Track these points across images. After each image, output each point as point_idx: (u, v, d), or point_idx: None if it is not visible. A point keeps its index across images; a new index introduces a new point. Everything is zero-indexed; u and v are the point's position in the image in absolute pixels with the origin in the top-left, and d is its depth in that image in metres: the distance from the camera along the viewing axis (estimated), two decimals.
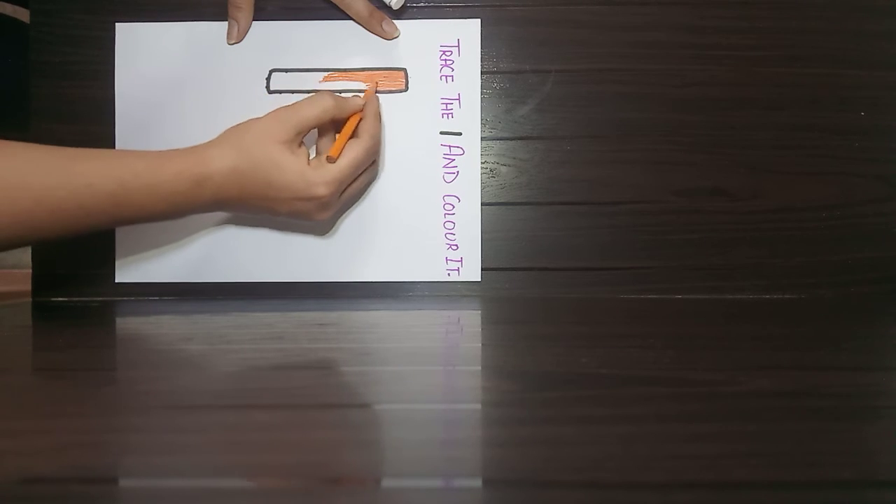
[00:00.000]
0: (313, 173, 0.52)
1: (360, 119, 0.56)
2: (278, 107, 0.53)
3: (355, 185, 0.57)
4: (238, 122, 0.52)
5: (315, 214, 0.54)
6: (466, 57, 0.61)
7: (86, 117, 0.61)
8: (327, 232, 0.61)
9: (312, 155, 0.55)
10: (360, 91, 0.61)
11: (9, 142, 0.46)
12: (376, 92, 0.61)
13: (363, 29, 0.61)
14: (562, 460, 0.22)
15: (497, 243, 0.61)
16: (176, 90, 0.61)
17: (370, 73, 0.61)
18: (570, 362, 0.36)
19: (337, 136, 0.56)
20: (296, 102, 0.53)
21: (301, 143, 0.53)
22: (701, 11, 0.61)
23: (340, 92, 0.60)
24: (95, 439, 0.25)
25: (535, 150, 0.61)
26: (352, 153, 0.54)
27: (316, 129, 0.55)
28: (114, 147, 0.60)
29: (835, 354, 0.40)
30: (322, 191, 0.52)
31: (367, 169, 0.57)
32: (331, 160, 0.53)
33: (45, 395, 0.31)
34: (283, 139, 0.51)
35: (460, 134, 0.61)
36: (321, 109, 0.53)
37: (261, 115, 0.53)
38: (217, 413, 0.29)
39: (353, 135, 0.56)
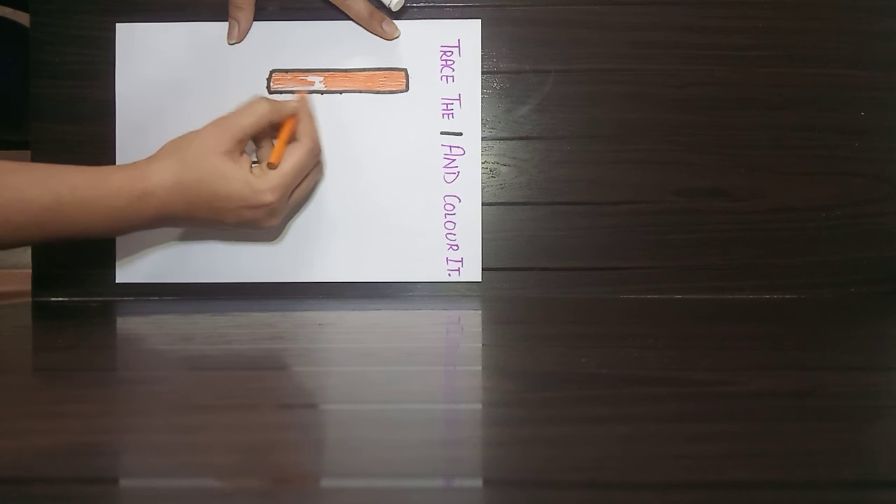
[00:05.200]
0: (257, 181, 0.51)
1: (297, 122, 0.55)
2: (216, 118, 0.52)
3: (301, 188, 0.56)
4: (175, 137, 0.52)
5: (264, 222, 0.53)
6: (467, 57, 0.61)
7: (86, 117, 0.61)
8: (276, 238, 0.61)
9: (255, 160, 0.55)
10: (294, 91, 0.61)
11: None
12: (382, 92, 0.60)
13: (363, 29, 0.61)
14: (562, 460, 0.22)
15: (497, 243, 0.61)
16: (176, 90, 0.61)
17: (370, 73, 0.61)
18: (571, 362, 0.36)
19: (275, 141, 0.55)
20: (232, 111, 0.53)
21: (242, 152, 0.53)
22: (701, 11, 0.61)
23: (282, 94, 0.60)
24: (95, 439, 0.25)
25: (535, 150, 0.61)
26: (293, 157, 0.53)
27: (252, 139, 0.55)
28: (114, 147, 0.61)
29: (835, 354, 0.40)
30: (269, 197, 0.52)
31: (313, 170, 0.56)
32: (272, 166, 0.52)
33: (45, 395, 0.31)
34: (224, 149, 0.51)
35: (461, 134, 0.61)
36: (257, 115, 0.52)
37: (198, 128, 0.52)
38: (217, 413, 0.29)
39: (292, 138, 0.55)
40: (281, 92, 0.61)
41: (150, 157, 0.51)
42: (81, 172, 0.49)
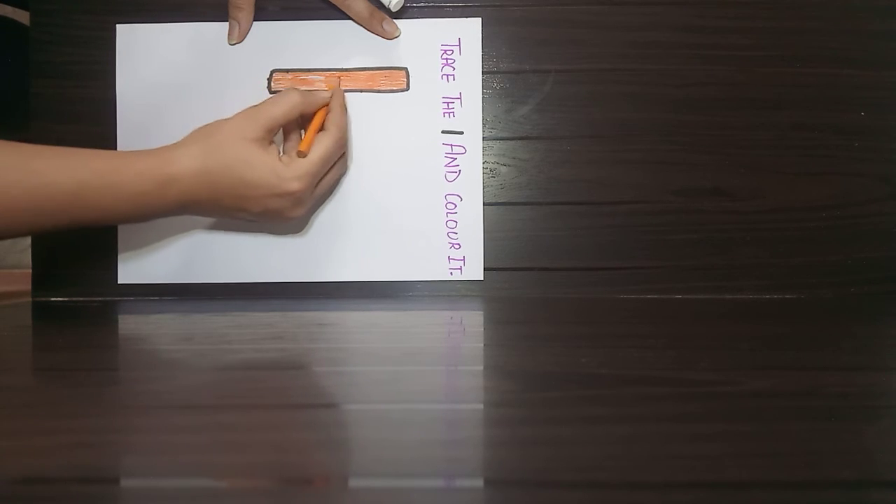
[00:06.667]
0: (285, 169, 0.52)
1: (327, 112, 0.56)
2: (247, 107, 0.53)
3: (327, 179, 0.56)
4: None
5: (289, 211, 0.53)
6: (467, 56, 0.61)
7: (86, 117, 0.61)
8: (301, 231, 0.61)
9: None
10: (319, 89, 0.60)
11: None
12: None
13: (364, 29, 0.61)
14: (563, 460, 0.22)
15: (497, 243, 0.61)
16: (177, 91, 0.61)
17: (370, 72, 0.61)
18: (571, 362, 0.36)
19: (304, 131, 0.56)
20: (264, 101, 0.53)
21: (272, 142, 0.53)
22: (701, 11, 0.61)
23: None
24: (95, 439, 0.25)
25: (535, 150, 0.61)
26: (322, 146, 0.54)
27: (281, 129, 0.55)
28: (115, 148, 0.60)
29: (835, 354, 0.40)
30: (295, 185, 0.52)
31: (337, 162, 0.57)
32: (301, 154, 0.53)
33: (45, 395, 0.31)
34: (253, 137, 0.51)
35: (462, 133, 0.61)
36: (290, 106, 0.53)
37: (227, 117, 0.52)
38: (217, 413, 0.29)
39: (321, 128, 0.56)
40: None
41: (176, 143, 0.51)
42: (105, 157, 0.48)
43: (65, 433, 0.25)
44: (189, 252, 0.61)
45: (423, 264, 0.61)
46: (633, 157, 0.61)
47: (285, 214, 0.54)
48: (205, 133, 0.51)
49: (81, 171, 0.47)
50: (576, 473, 0.21)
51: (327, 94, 0.56)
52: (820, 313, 0.55)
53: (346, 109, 0.58)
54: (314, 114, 0.56)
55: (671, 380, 0.32)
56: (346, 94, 0.60)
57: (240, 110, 0.53)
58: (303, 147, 0.53)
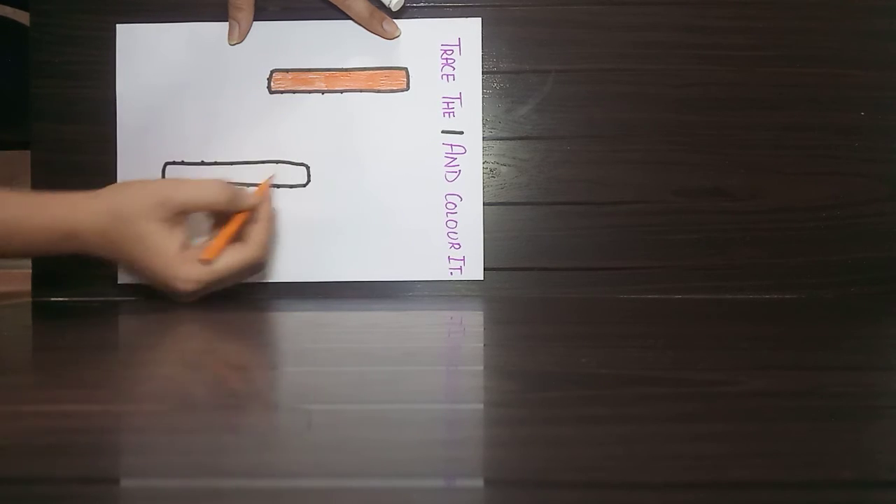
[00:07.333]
0: (179, 266, 0.50)
1: (251, 220, 0.52)
2: (168, 178, 0.52)
3: (225, 283, 0.53)
4: (118, 184, 0.53)
5: (175, 296, 0.52)
6: (467, 55, 0.61)
7: (86, 117, 0.61)
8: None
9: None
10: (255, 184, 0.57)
11: None
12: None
13: (364, 29, 0.61)
14: (563, 460, 0.22)
15: (497, 243, 0.61)
16: (177, 91, 0.61)
17: (370, 72, 0.61)
18: (571, 362, 0.36)
19: (219, 231, 0.52)
20: (188, 181, 0.52)
21: (179, 223, 0.50)
22: (701, 11, 0.61)
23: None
24: (96, 439, 0.25)
25: (535, 150, 0.61)
26: (231, 260, 0.51)
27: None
28: (115, 147, 0.60)
29: (835, 354, 0.40)
30: (184, 286, 0.50)
31: (247, 270, 0.53)
32: (205, 263, 0.50)
33: (45, 395, 0.31)
34: (160, 218, 0.49)
35: (462, 133, 0.61)
36: (211, 199, 0.51)
37: (151, 180, 0.52)
38: (218, 413, 0.29)
39: (241, 237, 0.52)
40: (282, 92, 0.61)
41: (87, 194, 0.50)
42: (14, 204, 0.49)
43: (65, 433, 0.25)
44: None
45: (423, 264, 0.61)
46: (633, 157, 0.61)
47: (172, 296, 0.52)
48: (117, 195, 0.50)
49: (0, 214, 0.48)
50: (576, 473, 0.21)
51: (254, 200, 0.53)
52: (820, 313, 0.55)
53: (272, 218, 0.54)
54: (234, 215, 0.52)
55: (671, 380, 0.32)
56: (345, 94, 0.60)
57: (161, 179, 0.52)
58: (208, 254, 0.50)
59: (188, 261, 0.50)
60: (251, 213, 0.53)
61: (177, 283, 0.50)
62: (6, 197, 0.49)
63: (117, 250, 0.50)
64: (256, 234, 0.53)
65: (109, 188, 0.51)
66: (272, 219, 0.55)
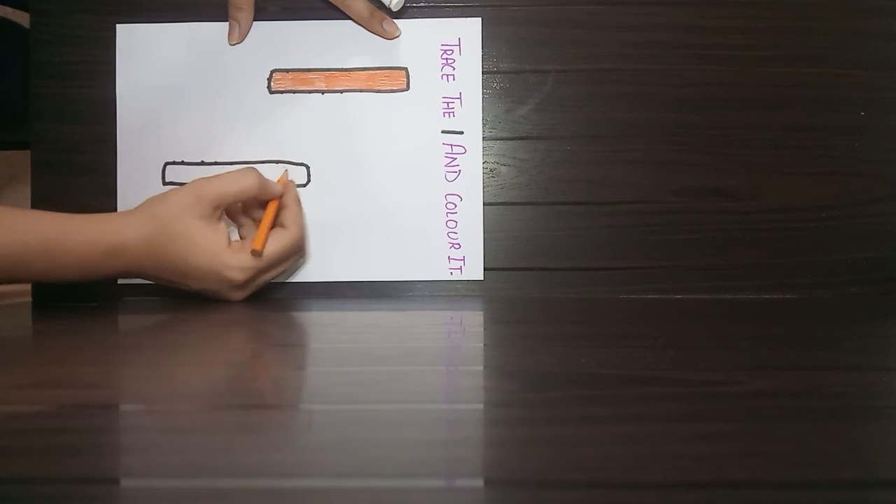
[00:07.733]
0: (231, 257, 0.51)
1: (281, 207, 0.55)
2: (199, 177, 0.52)
3: (276, 271, 0.55)
4: (158, 193, 0.52)
5: (226, 293, 0.54)
6: (467, 55, 0.61)
7: (86, 117, 0.61)
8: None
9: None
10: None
11: None
12: None
13: (364, 29, 0.61)
14: (563, 460, 0.22)
15: (497, 243, 0.61)
16: (177, 91, 0.61)
17: (370, 72, 0.61)
18: (571, 362, 0.36)
19: (258, 223, 0.54)
20: (218, 175, 0.52)
21: (220, 218, 0.52)
22: (701, 11, 0.61)
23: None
24: (96, 439, 0.25)
25: (535, 150, 0.61)
26: (279, 244, 0.53)
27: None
28: (114, 147, 0.60)
29: (835, 354, 0.40)
30: (237, 276, 0.52)
31: (293, 257, 0.56)
32: (256, 254, 0.52)
33: (45, 395, 0.31)
34: (200, 214, 0.50)
35: (462, 133, 0.61)
36: (243, 187, 0.52)
37: (184, 185, 0.52)
38: (218, 413, 0.29)
39: (278, 223, 0.55)
40: (282, 92, 0.61)
41: (125, 212, 0.51)
42: (55, 222, 0.49)
43: (65, 433, 0.25)
44: None
45: (423, 264, 0.61)
46: (633, 157, 0.61)
47: (223, 295, 0.54)
48: (154, 203, 0.51)
49: (27, 236, 0.47)
50: (576, 473, 0.21)
51: (280, 187, 0.55)
52: (820, 313, 0.55)
53: (300, 203, 0.57)
54: (268, 204, 0.55)
55: (671, 380, 0.32)
56: (345, 94, 0.61)
57: (193, 179, 0.52)
58: (256, 245, 0.52)
59: (238, 251, 0.52)
60: (281, 201, 0.55)
61: (230, 272, 0.51)
62: (51, 216, 0.50)
63: (163, 254, 0.50)
64: (290, 217, 0.55)
65: (145, 201, 0.52)
66: (299, 201, 0.57)
